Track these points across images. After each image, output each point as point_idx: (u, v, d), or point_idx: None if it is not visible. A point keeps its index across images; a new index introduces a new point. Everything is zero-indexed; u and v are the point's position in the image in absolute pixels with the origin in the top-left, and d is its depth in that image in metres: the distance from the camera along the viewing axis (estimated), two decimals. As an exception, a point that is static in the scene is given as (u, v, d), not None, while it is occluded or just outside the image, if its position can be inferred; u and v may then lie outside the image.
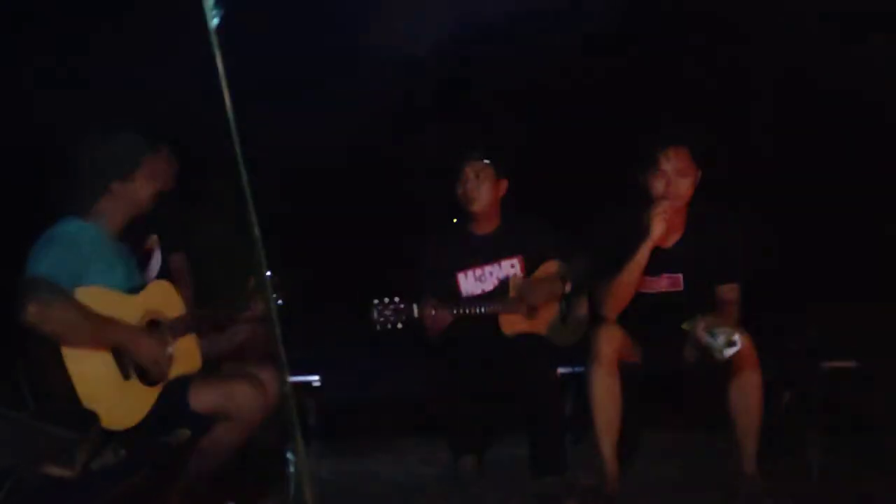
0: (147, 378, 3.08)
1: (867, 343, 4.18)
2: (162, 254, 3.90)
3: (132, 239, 3.46)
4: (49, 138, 4.17)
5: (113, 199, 3.16)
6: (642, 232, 3.62)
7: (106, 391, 2.96)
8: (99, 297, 2.99)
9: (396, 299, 3.74)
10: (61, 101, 4.46)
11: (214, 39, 2.07)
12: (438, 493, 3.78)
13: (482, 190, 4.04)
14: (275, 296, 2.63)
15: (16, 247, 3.03)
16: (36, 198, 3.41)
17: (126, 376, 3.02)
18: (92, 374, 2.93)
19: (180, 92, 4.24)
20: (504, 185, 4.10)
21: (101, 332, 2.95)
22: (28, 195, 3.87)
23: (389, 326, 3.74)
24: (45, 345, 2.88)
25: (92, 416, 2.88)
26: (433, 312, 3.79)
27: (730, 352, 3.38)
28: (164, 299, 3.26)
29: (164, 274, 3.74)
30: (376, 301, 3.74)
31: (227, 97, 2.11)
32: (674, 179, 3.65)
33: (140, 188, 3.19)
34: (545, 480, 3.69)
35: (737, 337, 3.38)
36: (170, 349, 3.15)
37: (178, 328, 3.22)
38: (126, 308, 3.09)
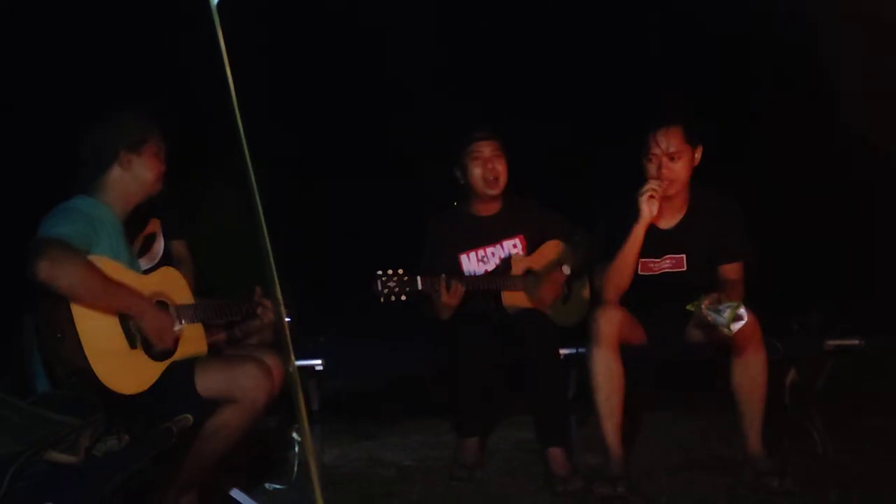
0: (153, 352, 3.09)
1: (871, 321, 4.17)
2: (164, 241, 3.88)
3: (134, 223, 3.45)
4: (52, 122, 4.18)
5: (122, 171, 3.19)
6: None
7: (112, 353, 2.98)
8: (110, 267, 3.02)
9: (400, 271, 3.72)
10: (62, 83, 4.44)
11: (216, 17, 2.04)
12: (442, 476, 3.77)
13: (500, 169, 4.02)
14: (284, 311, 2.63)
15: (24, 231, 3.02)
16: (43, 181, 3.42)
17: (132, 345, 3.04)
18: (100, 336, 2.95)
19: (181, 74, 4.24)
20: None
21: (110, 293, 2.97)
22: (35, 178, 3.88)
23: (393, 298, 3.71)
24: (56, 304, 2.90)
25: (95, 404, 2.87)
26: (448, 286, 3.76)
27: (737, 326, 3.37)
28: (173, 285, 3.27)
29: (166, 260, 3.72)
30: (380, 272, 3.71)
31: (230, 76, 2.08)
32: (665, 162, 3.66)
33: (148, 164, 3.23)
34: (550, 451, 3.68)
35: (743, 310, 3.38)
36: (177, 327, 3.16)
37: (186, 314, 3.23)
38: (135, 284, 3.10)
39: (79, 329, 2.90)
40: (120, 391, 2.96)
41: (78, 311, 2.92)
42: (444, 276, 3.79)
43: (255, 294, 3.44)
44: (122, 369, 3.00)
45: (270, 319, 3.44)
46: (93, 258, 2.98)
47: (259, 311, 3.44)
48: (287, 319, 3.22)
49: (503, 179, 4.03)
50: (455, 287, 3.78)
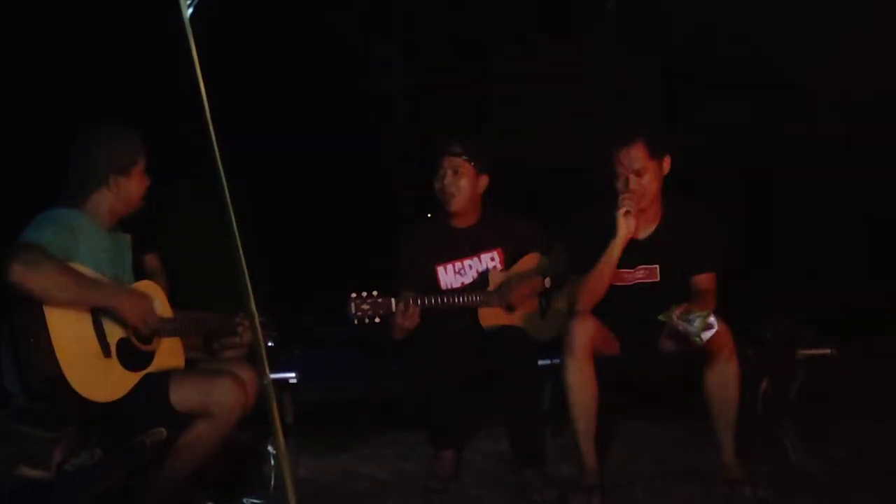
0: (127, 363, 3.08)
1: (843, 330, 4.21)
2: (136, 254, 3.86)
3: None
4: (29, 132, 4.15)
5: (110, 193, 3.20)
6: (615, 229, 3.65)
7: (86, 361, 2.98)
8: (88, 273, 3.02)
9: (374, 293, 3.72)
10: (37, 93, 4.42)
11: (189, 31, 2.04)
12: (418, 488, 3.77)
13: (459, 186, 4.02)
14: (265, 335, 2.65)
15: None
16: (28, 191, 3.41)
17: (107, 354, 3.02)
18: (73, 343, 2.95)
19: (156, 87, 4.21)
20: (485, 180, 4.08)
21: (84, 289, 2.97)
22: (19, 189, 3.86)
23: (367, 321, 3.71)
24: (30, 310, 2.89)
25: (68, 418, 2.86)
26: (404, 309, 3.75)
27: (707, 335, 3.39)
28: (153, 297, 3.25)
29: (137, 274, 3.70)
30: (354, 294, 3.71)
31: (202, 88, 2.08)
32: (632, 178, 3.68)
33: (135, 184, 3.24)
34: (525, 472, 3.69)
35: (713, 319, 3.40)
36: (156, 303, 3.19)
37: (165, 328, 3.22)
38: None
39: (52, 336, 2.90)
40: (93, 398, 2.96)
41: (52, 318, 2.91)
42: (416, 297, 3.77)
43: (237, 316, 3.45)
44: (96, 377, 2.99)
45: (250, 340, 3.43)
46: (72, 264, 2.97)
47: (240, 330, 3.44)
48: (270, 344, 3.27)
49: (461, 196, 4.03)
50: (410, 313, 3.74)
